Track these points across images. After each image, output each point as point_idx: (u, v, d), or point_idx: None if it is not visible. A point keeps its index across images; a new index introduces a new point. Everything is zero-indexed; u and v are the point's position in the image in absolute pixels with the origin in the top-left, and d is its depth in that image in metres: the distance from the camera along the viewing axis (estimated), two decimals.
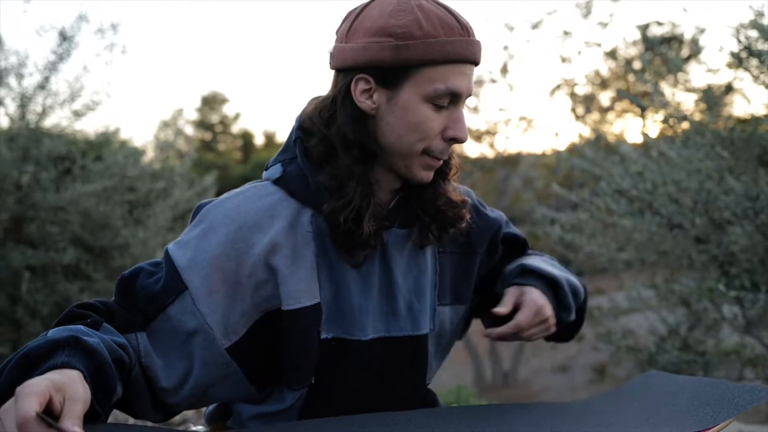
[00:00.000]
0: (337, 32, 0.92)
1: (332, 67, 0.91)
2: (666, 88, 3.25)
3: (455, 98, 0.87)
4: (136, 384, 0.82)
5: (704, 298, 2.68)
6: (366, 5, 0.89)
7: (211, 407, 1.04)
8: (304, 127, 0.93)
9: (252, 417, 0.95)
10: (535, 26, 8.46)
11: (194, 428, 1.19)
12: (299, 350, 0.89)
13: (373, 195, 0.89)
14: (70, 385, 0.66)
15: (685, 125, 2.73)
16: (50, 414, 0.64)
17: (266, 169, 0.96)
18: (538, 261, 1.06)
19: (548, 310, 0.98)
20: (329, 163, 0.89)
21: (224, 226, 0.87)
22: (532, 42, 9.42)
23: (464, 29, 0.87)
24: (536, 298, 0.98)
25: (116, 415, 0.81)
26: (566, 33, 8.56)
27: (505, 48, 8.47)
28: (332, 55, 0.91)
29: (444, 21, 0.85)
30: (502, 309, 0.96)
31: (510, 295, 0.98)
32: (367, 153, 0.89)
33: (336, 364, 0.91)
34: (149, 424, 0.90)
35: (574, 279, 1.07)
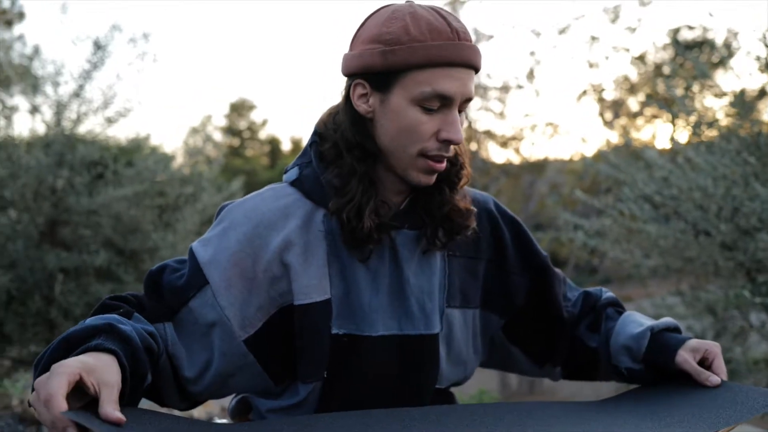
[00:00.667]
0: None
1: (342, 74, 0.97)
2: (696, 93, 3.21)
3: (446, 101, 0.89)
4: (164, 372, 0.88)
5: (731, 305, 2.64)
6: (369, 16, 0.94)
7: (233, 403, 1.08)
8: (319, 132, 0.99)
9: (269, 410, 0.98)
10: (562, 31, 8.42)
11: (219, 421, 1.23)
12: (310, 344, 0.92)
13: (375, 193, 0.93)
14: (103, 369, 0.71)
15: (714, 131, 2.70)
16: (82, 393, 0.69)
17: (285, 172, 1.01)
18: (640, 318, 1.06)
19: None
20: (336, 164, 0.94)
21: (242, 225, 0.92)
22: (559, 47, 9.37)
23: (454, 33, 0.88)
24: (700, 344, 0.98)
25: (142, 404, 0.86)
26: (594, 38, 8.49)
27: (532, 53, 8.44)
28: (341, 64, 0.96)
29: (433, 26, 0.88)
30: (716, 379, 0.94)
31: (690, 365, 0.97)
32: (367, 153, 0.93)
33: (348, 359, 0.94)
34: (176, 412, 0.94)
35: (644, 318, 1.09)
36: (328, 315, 0.93)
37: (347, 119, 0.94)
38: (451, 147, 0.94)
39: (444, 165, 0.93)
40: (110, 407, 0.68)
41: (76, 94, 4.24)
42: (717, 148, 2.61)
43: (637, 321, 1.04)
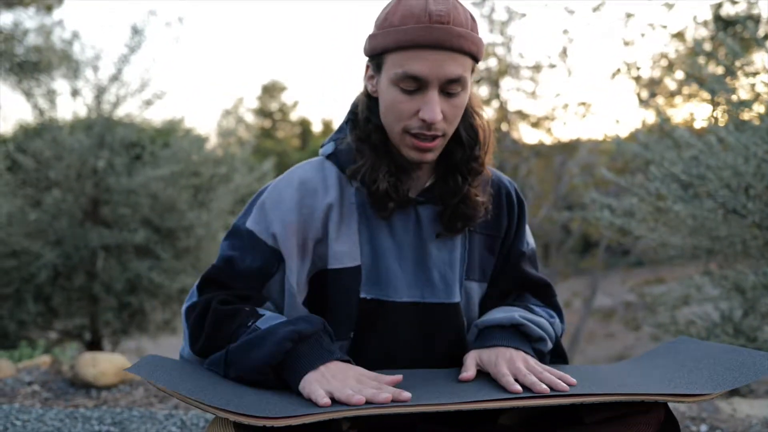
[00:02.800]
0: None
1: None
2: (738, 70, 3.14)
3: (420, 82, 0.93)
4: None
5: (759, 285, 2.63)
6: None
7: None
8: (355, 110, 1.07)
9: None
10: (596, 9, 8.24)
11: None
12: (341, 306, 1.01)
13: (389, 159, 1.00)
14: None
15: (753, 112, 2.66)
16: None
17: (322, 147, 1.09)
18: (501, 310, 1.04)
19: (516, 355, 0.95)
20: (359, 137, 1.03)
21: (292, 195, 1.01)
22: (593, 25, 9.14)
23: (427, 16, 0.91)
24: (493, 354, 0.96)
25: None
26: (629, 15, 8.29)
27: (565, 32, 8.29)
28: None
29: (410, 11, 0.92)
30: (466, 374, 0.94)
31: (470, 359, 0.97)
32: (377, 128, 1.01)
33: (374, 321, 1.02)
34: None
35: (532, 316, 1.04)
36: (358, 280, 1.01)
37: (363, 96, 1.03)
38: (459, 134, 1.00)
39: (434, 144, 0.96)
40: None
41: (115, 78, 4.39)
42: (748, 126, 2.58)
43: (490, 312, 1.05)
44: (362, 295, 1.01)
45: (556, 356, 1.07)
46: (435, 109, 0.93)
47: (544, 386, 0.86)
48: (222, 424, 0.81)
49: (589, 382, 0.90)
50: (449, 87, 0.94)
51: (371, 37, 0.98)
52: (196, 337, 0.95)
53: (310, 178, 1.02)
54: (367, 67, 1.01)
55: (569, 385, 0.87)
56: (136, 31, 4.31)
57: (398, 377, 0.84)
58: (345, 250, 1.00)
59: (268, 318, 0.92)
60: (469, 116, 1.04)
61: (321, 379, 0.82)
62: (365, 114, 1.02)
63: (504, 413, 1.00)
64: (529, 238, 1.15)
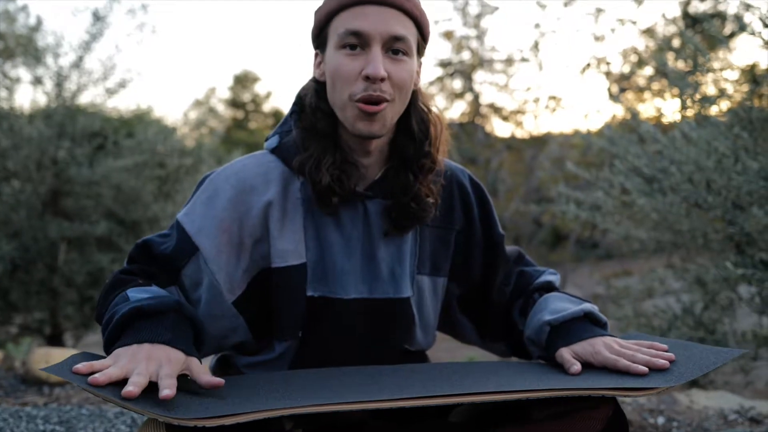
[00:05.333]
0: None
1: None
2: (707, 65, 3.18)
3: (361, 38, 0.92)
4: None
5: (719, 278, 2.67)
6: None
7: (213, 361, 1.13)
8: (299, 103, 1.04)
9: (246, 365, 1.04)
10: (567, 3, 8.29)
11: None
12: (287, 306, 0.98)
13: (335, 150, 0.97)
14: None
15: (722, 107, 2.69)
16: None
17: (266, 140, 1.04)
18: (556, 303, 1.00)
19: (609, 341, 0.92)
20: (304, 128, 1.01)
21: (227, 191, 0.97)
22: (564, 20, 9.22)
23: None
24: (588, 345, 0.92)
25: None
26: (599, 10, 8.37)
27: (537, 26, 8.34)
28: None
29: None
30: (576, 368, 0.89)
31: (567, 355, 0.93)
32: (326, 114, 0.98)
33: (321, 320, 0.99)
34: None
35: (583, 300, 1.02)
36: (304, 278, 0.97)
37: (311, 87, 1.02)
38: (411, 127, 0.99)
39: (380, 108, 0.93)
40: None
41: (76, 65, 4.26)
42: (710, 122, 2.61)
43: (548, 308, 1.00)
44: (309, 293, 0.98)
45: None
46: (377, 64, 0.91)
47: (662, 362, 0.87)
48: (153, 425, 0.77)
49: (538, 378, 0.89)
50: (393, 45, 0.93)
51: (315, 14, 0.98)
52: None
53: (250, 175, 0.98)
54: (315, 57, 1.00)
55: (669, 360, 0.88)
56: (97, 18, 4.19)
57: (220, 381, 0.79)
58: (289, 248, 0.97)
59: (147, 290, 0.88)
60: (420, 111, 1.02)
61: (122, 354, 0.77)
62: (313, 101, 0.99)
63: (453, 410, 0.98)
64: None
